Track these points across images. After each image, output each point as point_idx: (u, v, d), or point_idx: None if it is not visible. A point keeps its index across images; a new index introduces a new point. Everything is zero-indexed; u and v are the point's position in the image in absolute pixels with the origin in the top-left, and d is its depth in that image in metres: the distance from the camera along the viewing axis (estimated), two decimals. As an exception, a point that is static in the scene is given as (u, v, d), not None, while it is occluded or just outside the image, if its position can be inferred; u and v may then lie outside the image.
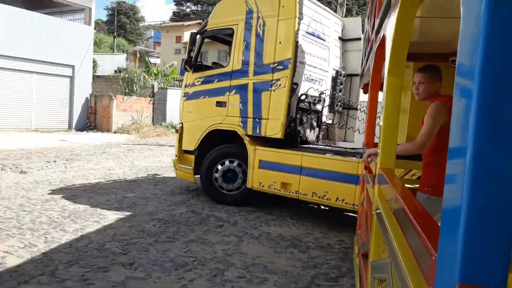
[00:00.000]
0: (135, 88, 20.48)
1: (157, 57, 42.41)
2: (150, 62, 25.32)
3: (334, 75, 6.97)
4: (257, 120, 5.98)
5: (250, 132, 6.04)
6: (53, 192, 6.39)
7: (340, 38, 7.21)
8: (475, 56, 0.63)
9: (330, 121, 7.20)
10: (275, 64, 5.83)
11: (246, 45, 6.14)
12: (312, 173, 5.50)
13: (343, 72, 7.07)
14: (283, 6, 5.82)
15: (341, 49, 7.26)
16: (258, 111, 5.97)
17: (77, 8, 19.53)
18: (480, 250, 0.63)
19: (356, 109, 7.29)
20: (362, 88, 6.37)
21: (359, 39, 7.31)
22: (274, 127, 5.80)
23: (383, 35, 2.45)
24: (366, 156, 3.09)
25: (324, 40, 6.72)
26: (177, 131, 6.98)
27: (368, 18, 5.34)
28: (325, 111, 6.95)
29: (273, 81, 5.84)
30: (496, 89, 0.61)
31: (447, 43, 3.99)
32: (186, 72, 6.79)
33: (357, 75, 7.30)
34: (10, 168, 8.03)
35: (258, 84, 6.00)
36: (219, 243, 4.50)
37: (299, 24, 5.80)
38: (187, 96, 6.82)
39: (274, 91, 5.83)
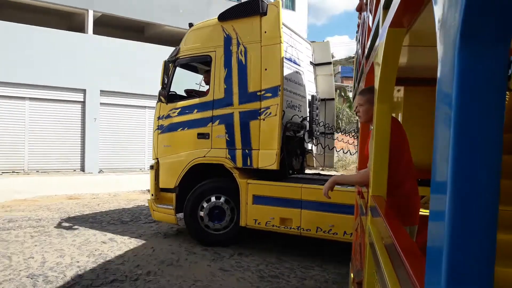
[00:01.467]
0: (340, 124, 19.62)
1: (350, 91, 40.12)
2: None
3: (310, 100, 6.82)
4: (247, 151, 5.56)
5: (240, 165, 5.59)
6: None
7: (311, 63, 7.12)
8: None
9: (309, 148, 7.01)
10: (262, 92, 5.49)
11: (228, 73, 5.73)
12: (314, 206, 5.20)
13: (318, 96, 6.95)
14: (265, 32, 5.54)
15: (313, 74, 7.17)
16: (247, 141, 5.56)
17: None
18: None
19: (332, 133, 7.20)
20: (355, 110, 6.29)
21: (329, 63, 7.30)
22: (268, 158, 5.42)
23: (372, 62, 2.50)
24: (328, 188, 2.95)
25: (299, 65, 6.56)
26: (152, 167, 6.27)
27: (358, 41, 5.31)
28: (305, 137, 6.75)
29: (262, 110, 5.49)
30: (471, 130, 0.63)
31: (435, 69, 4.06)
32: (159, 104, 6.17)
33: (330, 99, 7.25)
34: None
35: (244, 113, 5.60)
36: None
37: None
38: (162, 129, 6.17)
39: (264, 119, 5.47)
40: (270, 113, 5.43)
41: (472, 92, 0.63)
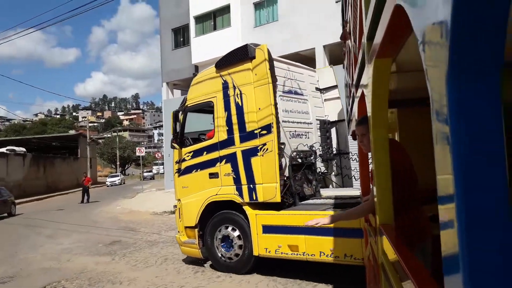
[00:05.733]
0: None
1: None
2: None
3: (319, 125, 7.08)
4: (251, 186, 6.00)
5: (247, 200, 6.04)
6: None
7: (317, 89, 7.39)
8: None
9: (324, 170, 7.24)
10: (259, 130, 5.92)
11: (228, 115, 6.26)
12: (316, 231, 5.46)
13: (327, 120, 7.19)
14: (255, 74, 5.98)
15: (321, 99, 7.42)
16: (251, 177, 6.00)
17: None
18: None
19: (347, 153, 7.36)
20: (351, 135, 6.46)
21: (335, 86, 7.50)
22: (269, 192, 5.81)
23: (362, 91, 2.53)
24: (328, 223, 3.05)
25: (302, 94, 6.88)
26: (175, 207, 6.98)
27: (346, 69, 5.44)
28: (319, 161, 7.01)
29: (260, 146, 5.90)
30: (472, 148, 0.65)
31: (426, 90, 4.04)
32: (175, 149, 6.88)
33: (341, 120, 7.43)
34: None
35: (246, 151, 6.06)
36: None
37: (275, 87, 5.94)
38: (180, 172, 6.87)
39: (262, 155, 5.88)
40: (267, 149, 5.83)
41: (468, 121, 0.65)
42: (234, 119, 6.19)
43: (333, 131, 7.31)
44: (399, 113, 5.09)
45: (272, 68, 5.93)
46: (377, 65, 1.76)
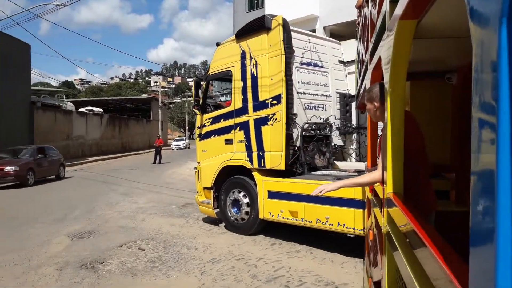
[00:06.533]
0: None
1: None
2: None
3: (339, 98, 7.13)
4: (260, 153, 6.33)
5: (256, 166, 6.39)
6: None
7: (341, 62, 7.38)
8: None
9: (342, 143, 7.33)
10: (270, 100, 6.17)
11: (244, 84, 6.56)
12: (314, 199, 5.69)
13: (348, 93, 7.20)
14: (270, 45, 6.18)
15: (344, 72, 7.42)
16: (261, 145, 6.32)
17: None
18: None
19: (365, 127, 7.34)
20: (358, 108, 6.46)
21: (360, 59, 7.42)
22: (275, 159, 6.11)
23: (379, 57, 2.42)
24: (330, 190, 3.03)
25: (322, 67, 6.95)
26: (195, 169, 7.55)
27: (360, 40, 5.41)
28: (336, 134, 7.11)
29: (270, 116, 6.17)
30: None
31: (442, 62, 4.00)
32: (197, 115, 7.37)
33: (363, 94, 7.38)
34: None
35: (258, 120, 6.37)
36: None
37: (289, 58, 6.11)
38: (200, 137, 7.38)
39: (272, 125, 6.16)
40: (276, 119, 6.10)
41: None
42: (249, 88, 6.49)
43: (354, 105, 7.31)
44: (411, 85, 5.04)
45: (288, 39, 6.10)
46: (401, 26, 1.65)
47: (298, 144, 6.38)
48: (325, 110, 6.96)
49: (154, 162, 23.59)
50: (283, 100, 5.99)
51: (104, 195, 11.58)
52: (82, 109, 33.79)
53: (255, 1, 24.14)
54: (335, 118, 6.97)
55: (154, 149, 24.68)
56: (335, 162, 7.30)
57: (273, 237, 6.46)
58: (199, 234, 6.79)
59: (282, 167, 6.05)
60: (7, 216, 8.83)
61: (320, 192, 3.08)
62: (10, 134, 20.34)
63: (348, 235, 5.81)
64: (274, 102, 6.13)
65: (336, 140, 7.20)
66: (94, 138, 32.66)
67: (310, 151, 6.63)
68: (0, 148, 16.93)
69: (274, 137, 6.14)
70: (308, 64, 6.72)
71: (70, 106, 31.13)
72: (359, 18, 5.45)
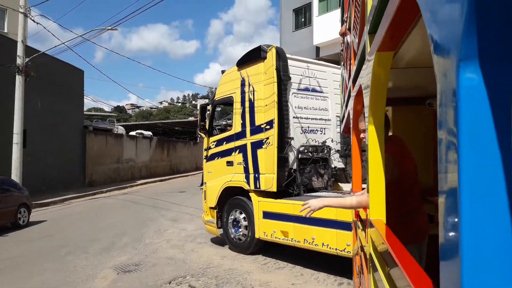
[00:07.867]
0: None
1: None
2: None
3: (340, 122, 7.32)
4: (256, 175, 6.65)
5: (252, 187, 6.71)
6: None
7: (342, 86, 7.59)
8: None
9: (342, 165, 7.47)
10: (264, 124, 6.53)
11: (243, 110, 6.98)
12: (301, 220, 5.88)
13: (348, 117, 7.36)
14: (265, 73, 6.58)
15: (344, 96, 7.61)
16: (257, 167, 6.65)
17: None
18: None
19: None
20: (344, 132, 6.63)
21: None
22: (268, 181, 6.42)
23: (360, 85, 2.51)
24: (313, 210, 2.92)
25: (321, 92, 7.21)
26: (201, 189, 7.99)
27: (343, 65, 5.64)
28: (335, 157, 7.29)
29: (264, 140, 6.52)
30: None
31: (422, 88, 4.18)
32: (204, 138, 7.87)
33: (363, 117, 7.50)
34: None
35: (254, 143, 6.73)
36: None
37: (285, 84, 6.48)
38: (207, 158, 7.84)
39: (266, 148, 6.49)
40: (269, 143, 6.43)
41: (477, 111, 0.60)
42: (247, 113, 6.89)
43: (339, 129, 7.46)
44: (394, 111, 5.20)
45: (284, 67, 6.50)
46: (378, 58, 1.75)
47: (294, 166, 6.64)
48: (324, 134, 7.18)
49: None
50: (275, 125, 6.32)
51: (153, 221, 11.13)
52: (133, 133, 35.43)
53: (302, 19, 24.16)
54: (332, 141, 7.16)
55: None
56: (339, 183, 7.45)
57: (339, 276, 5.69)
58: (253, 269, 6.20)
59: (274, 189, 6.33)
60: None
61: (307, 214, 2.97)
62: (65, 157, 21.58)
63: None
64: (268, 126, 6.47)
65: (337, 162, 7.36)
66: (144, 160, 33.73)
67: (307, 173, 6.85)
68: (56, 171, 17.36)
69: (267, 160, 6.45)
70: (306, 89, 7.02)
71: (121, 129, 32.83)
72: (342, 45, 5.70)
